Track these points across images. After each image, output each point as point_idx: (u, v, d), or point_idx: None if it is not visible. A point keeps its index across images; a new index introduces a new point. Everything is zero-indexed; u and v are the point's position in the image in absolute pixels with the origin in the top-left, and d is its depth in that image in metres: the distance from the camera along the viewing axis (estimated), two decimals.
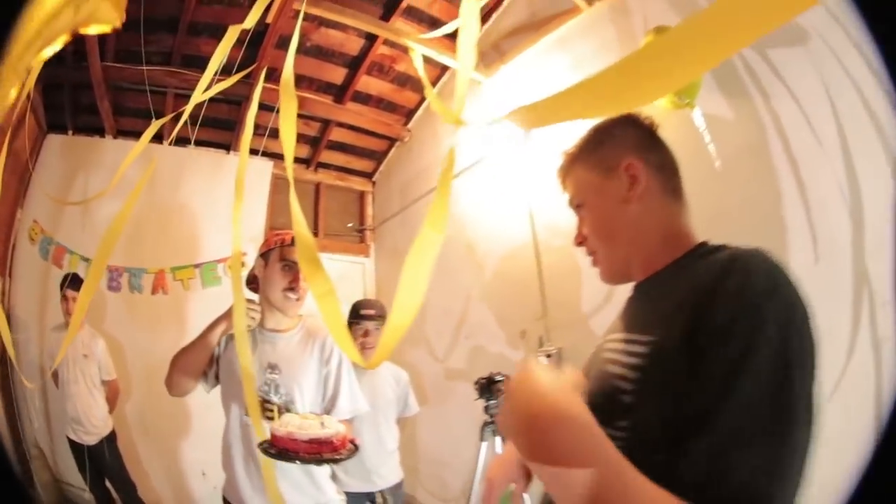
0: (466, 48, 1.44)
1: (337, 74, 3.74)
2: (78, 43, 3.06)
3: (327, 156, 4.33)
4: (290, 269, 1.64)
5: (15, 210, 3.50)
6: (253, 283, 1.79)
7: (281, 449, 1.27)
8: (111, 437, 3.17)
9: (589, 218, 0.89)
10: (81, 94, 3.41)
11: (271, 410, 1.57)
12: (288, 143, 1.58)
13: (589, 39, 3.00)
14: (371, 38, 3.52)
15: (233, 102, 3.61)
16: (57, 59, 3.13)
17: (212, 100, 3.55)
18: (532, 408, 0.53)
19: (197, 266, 3.69)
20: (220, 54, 2.06)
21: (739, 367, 0.55)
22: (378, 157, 4.54)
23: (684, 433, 0.55)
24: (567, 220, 3.08)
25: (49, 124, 3.54)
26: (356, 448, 1.35)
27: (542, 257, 3.11)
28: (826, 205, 1.91)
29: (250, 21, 2.05)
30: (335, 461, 1.30)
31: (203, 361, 1.65)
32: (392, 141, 4.41)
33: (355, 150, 4.41)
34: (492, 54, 3.59)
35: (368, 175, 4.67)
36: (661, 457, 0.55)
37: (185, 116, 2.18)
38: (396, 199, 4.38)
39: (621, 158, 0.85)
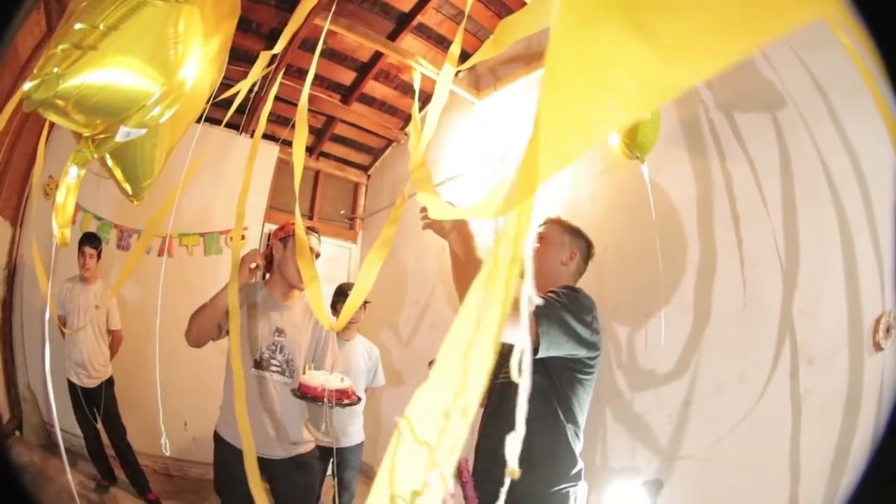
0: (433, 115, 1.83)
1: (347, 76, 4.09)
2: None
3: (329, 146, 4.71)
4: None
5: (31, 165, 3.66)
6: (268, 260, 2.10)
7: (313, 395, 1.77)
8: (110, 382, 3.42)
9: (543, 249, 1.68)
10: None
11: (277, 365, 1.97)
12: (298, 165, 1.96)
13: None
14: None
15: (249, 90, 3.97)
16: None
17: (226, 85, 3.92)
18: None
19: (202, 235, 4.06)
20: (254, 76, 2.44)
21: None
22: (375, 153, 4.92)
23: None
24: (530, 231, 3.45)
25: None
26: (360, 399, 1.94)
27: None
28: (760, 261, 2.12)
29: (279, 47, 2.44)
30: (350, 405, 1.84)
31: (218, 317, 1.89)
32: (389, 141, 4.79)
33: (355, 145, 4.78)
34: (488, 77, 3.96)
35: (365, 168, 5.06)
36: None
37: (233, 107, 2.53)
38: (387, 195, 4.75)
39: (572, 245, 1.71)
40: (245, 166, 2.17)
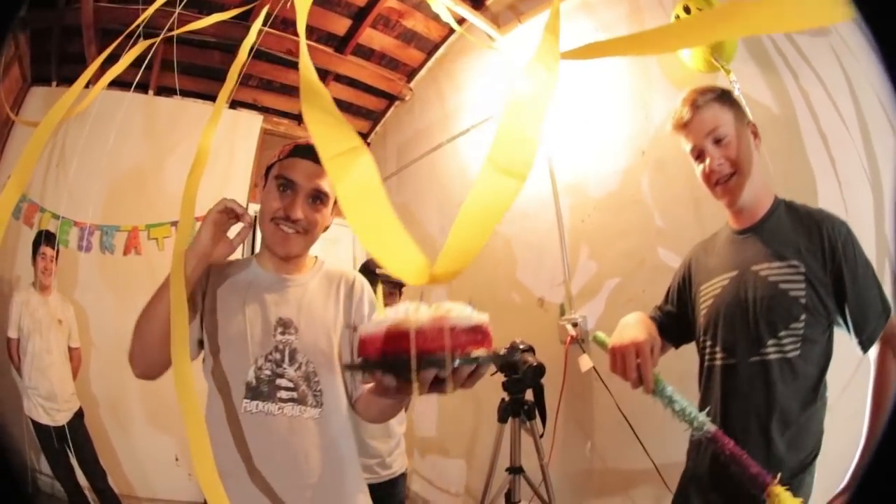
0: None
1: (340, 25, 3.81)
2: None
3: None
4: (288, 188, 1.28)
5: None
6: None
7: (428, 353, 0.75)
8: (81, 414, 3.10)
9: (734, 146, 1.37)
10: (69, 42, 3.40)
11: (288, 388, 1.21)
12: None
13: (615, 6, 3.15)
14: None
15: (227, 50, 3.60)
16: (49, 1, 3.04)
17: (205, 45, 3.58)
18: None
19: (174, 224, 3.64)
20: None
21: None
22: (375, 117, 4.65)
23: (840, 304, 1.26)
24: (587, 180, 3.11)
25: (34, 77, 3.56)
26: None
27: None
28: (852, 181, 2.12)
29: None
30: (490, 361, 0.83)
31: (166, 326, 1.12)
32: (391, 100, 4.53)
33: (351, 109, 4.50)
34: (507, 14, 3.71)
35: (363, 136, 4.72)
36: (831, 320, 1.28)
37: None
38: (392, 161, 4.51)
39: (747, 119, 1.42)
40: (203, 133, 1.72)
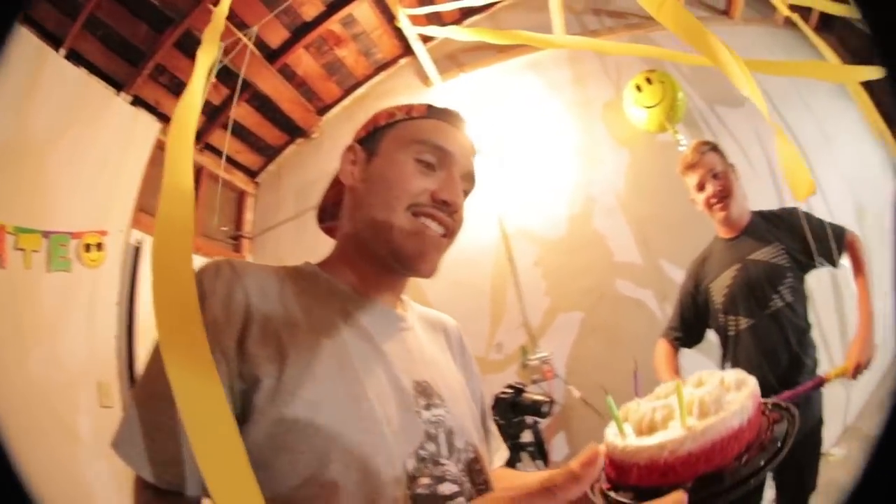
0: None
1: (277, 36, 3.47)
2: None
3: (220, 138, 3.70)
4: (441, 162, 0.85)
5: None
6: (331, 208, 1.00)
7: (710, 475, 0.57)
8: None
9: (726, 181, 2.10)
10: None
11: (454, 495, 0.70)
12: None
13: (566, 69, 3.65)
14: (332, 9, 3.42)
15: (156, 27, 2.96)
16: None
17: (137, 12, 2.86)
18: None
19: (46, 235, 2.60)
20: None
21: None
22: (269, 152, 4.15)
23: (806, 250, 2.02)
24: (535, 226, 3.69)
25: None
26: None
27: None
28: None
29: None
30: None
31: None
32: (292, 135, 4.14)
33: (250, 139, 3.93)
34: (446, 63, 3.89)
35: (253, 173, 4.15)
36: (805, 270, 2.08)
37: None
38: (290, 204, 4.05)
39: (728, 161, 2.18)
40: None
